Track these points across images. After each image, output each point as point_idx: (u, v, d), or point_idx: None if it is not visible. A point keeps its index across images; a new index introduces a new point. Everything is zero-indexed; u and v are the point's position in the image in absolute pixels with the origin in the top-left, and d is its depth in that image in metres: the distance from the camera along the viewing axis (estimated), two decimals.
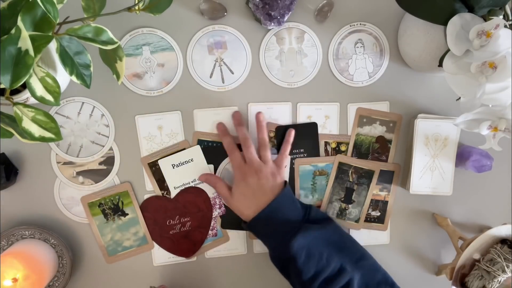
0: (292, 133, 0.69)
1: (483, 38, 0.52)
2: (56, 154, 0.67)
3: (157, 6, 0.57)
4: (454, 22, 0.54)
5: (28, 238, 0.66)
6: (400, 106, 0.72)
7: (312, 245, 0.62)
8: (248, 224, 0.65)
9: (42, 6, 0.44)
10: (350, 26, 0.70)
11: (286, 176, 0.71)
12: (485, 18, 0.54)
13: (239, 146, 0.68)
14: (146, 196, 0.70)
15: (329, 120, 0.71)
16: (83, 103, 0.67)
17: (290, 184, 0.71)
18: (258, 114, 0.68)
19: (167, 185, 0.70)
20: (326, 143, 0.72)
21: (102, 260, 0.70)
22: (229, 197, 0.66)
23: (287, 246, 0.61)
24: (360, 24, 0.70)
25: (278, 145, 0.70)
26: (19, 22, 0.44)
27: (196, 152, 0.69)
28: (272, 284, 0.72)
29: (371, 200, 0.73)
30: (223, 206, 0.71)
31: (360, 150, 0.72)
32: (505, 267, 0.62)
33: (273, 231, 0.64)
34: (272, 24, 0.66)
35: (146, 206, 0.70)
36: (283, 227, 0.63)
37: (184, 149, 0.69)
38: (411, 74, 0.71)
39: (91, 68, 0.53)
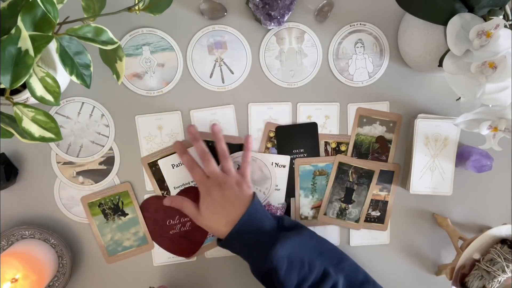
0: (249, 140, 0.67)
1: (483, 38, 0.52)
2: (56, 154, 0.67)
3: (157, 6, 0.57)
4: (454, 22, 0.54)
5: (28, 238, 0.66)
6: (400, 106, 0.72)
7: (292, 254, 0.60)
8: (222, 243, 0.62)
9: (42, 6, 0.44)
10: (350, 26, 0.70)
11: (284, 177, 0.71)
12: (485, 18, 0.54)
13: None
14: (146, 196, 0.70)
15: (329, 120, 0.71)
16: (83, 103, 0.67)
17: (290, 184, 0.71)
18: (213, 126, 0.66)
19: (167, 185, 0.70)
20: (326, 143, 0.72)
21: (102, 260, 0.70)
22: (198, 216, 0.64)
23: (267, 259, 0.59)
24: (360, 24, 0.70)
25: (278, 145, 0.70)
26: (19, 22, 0.44)
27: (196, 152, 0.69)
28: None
29: (371, 200, 0.72)
30: None
31: (360, 150, 0.72)
32: (505, 267, 0.62)
33: (250, 245, 0.61)
34: (272, 24, 0.66)
35: (146, 206, 0.70)
36: (259, 239, 0.61)
37: None
38: (411, 74, 0.71)
39: (91, 68, 0.53)
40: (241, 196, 0.63)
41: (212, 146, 0.69)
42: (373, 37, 0.70)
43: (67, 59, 0.50)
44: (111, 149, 0.68)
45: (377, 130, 0.72)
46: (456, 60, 0.55)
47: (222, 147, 0.66)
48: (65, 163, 0.68)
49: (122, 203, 0.69)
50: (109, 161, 0.68)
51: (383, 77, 0.71)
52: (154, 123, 0.69)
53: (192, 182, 0.70)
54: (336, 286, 0.60)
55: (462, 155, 0.69)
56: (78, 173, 0.68)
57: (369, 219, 0.73)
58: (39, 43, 0.45)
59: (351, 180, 0.72)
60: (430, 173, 0.69)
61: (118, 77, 0.58)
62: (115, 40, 0.52)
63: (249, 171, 0.66)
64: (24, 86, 0.47)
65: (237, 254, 0.64)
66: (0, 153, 0.66)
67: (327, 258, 0.62)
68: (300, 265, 0.60)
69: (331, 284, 0.60)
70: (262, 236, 0.61)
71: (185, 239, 0.71)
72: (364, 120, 0.72)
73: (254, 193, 0.64)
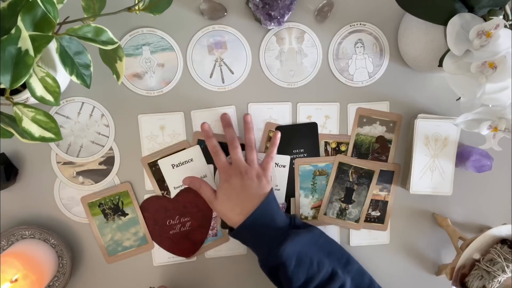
0: (278, 135, 0.68)
1: (483, 38, 0.52)
2: (56, 154, 0.67)
3: (157, 6, 0.57)
4: (454, 22, 0.54)
5: (28, 238, 0.66)
6: (400, 106, 0.72)
7: (302, 252, 0.60)
8: (234, 232, 0.64)
9: (42, 6, 0.44)
10: (350, 26, 0.70)
11: (284, 177, 0.71)
12: (485, 18, 0.54)
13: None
14: (146, 196, 0.70)
15: (329, 120, 0.71)
16: (83, 103, 0.67)
17: (290, 184, 0.71)
18: (246, 116, 0.68)
19: (167, 185, 0.70)
20: (326, 143, 0.72)
21: (102, 260, 0.70)
22: (213, 200, 0.65)
23: (276, 254, 0.60)
24: (360, 24, 0.70)
25: (278, 145, 0.70)
26: (19, 22, 0.44)
27: (196, 152, 0.69)
28: (271, 284, 0.72)
29: (371, 200, 0.72)
30: None
31: (360, 150, 0.72)
32: (505, 267, 0.62)
33: (260, 238, 0.62)
34: (272, 24, 0.66)
35: (146, 206, 0.70)
36: (270, 233, 0.62)
37: (184, 149, 0.69)
38: (411, 74, 0.71)
39: (91, 68, 0.53)
40: (258, 189, 0.64)
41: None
42: (373, 37, 0.70)
43: (67, 59, 0.50)
44: (111, 149, 0.68)
45: (377, 130, 0.72)
46: (456, 60, 0.55)
47: (251, 137, 0.67)
48: (65, 163, 0.68)
49: (122, 203, 0.69)
50: (109, 161, 0.68)
51: (383, 77, 0.71)
52: (156, 123, 0.69)
53: None
54: (343, 287, 0.60)
55: (462, 155, 0.69)
56: (78, 173, 0.68)
57: (369, 219, 0.73)
58: (39, 43, 0.45)
59: (351, 180, 0.72)
60: (430, 173, 0.69)
61: (118, 77, 0.58)
62: (115, 40, 0.52)
63: (271, 166, 0.67)
64: (24, 86, 0.47)
65: (247, 245, 0.65)
66: (0, 153, 0.66)
67: (335, 259, 0.62)
68: (309, 264, 0.60)
69: (339, 285, 0.60)
70: (274, 231, 0.62)
71: (185, 239, 0.71)
72: (364, 120, 0.72)
73: (271, 189, 0.65)
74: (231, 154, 0.66)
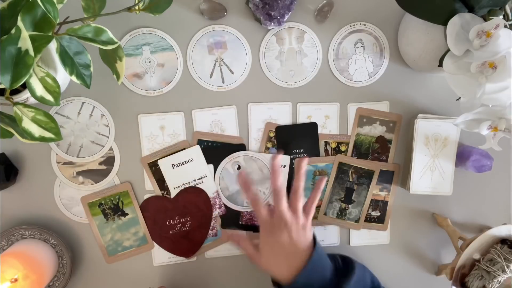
0: (324, 180, 0.64)
1: (483, 38, 0.52)
2: (56, 154, 0.67)
3: (157, 6, 0.57)
4: (454, 22, 0.54)
5: (28, 238, 0.66)
6: (400, 106, 0.72)
7: None
8: None
9: (42, 6, 0.44)
10: (350, 26, 0.70)
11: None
12: (485, 18, 0.54)
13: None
14: (146, 196, 0.70)
15: (329, 120, 0.71)
16: (83, 103, 0.67)
17: (289, 184, 0.71)
18: (299, 161, 0.61)
19: (167, 185, 0.70)
20: (326, 143, 0.72)
21: (102, 260, 0.70)
22: (257, 256, 0.61)
23: None
24: (360, 24, 0.70)
25: (278, 145, 0.70)
26: (19, 22, 0.44)
27: (196, 152, 0.69)
28: (271, 284, 0.72)
29: (371, 200, 0.72)
30: (223, 206, 0.71)
31: (360, 150, 0.72)
32: (505, 267, 0.62)
33: None
34: (272, 24, 0.66)
35: (146, 206, 0.70)
36: (323, 287, 0.58)
37: (184, 149, 0.69)
38: (411, 74, 0.71)
39: (91, 68, 0.53)
40: (304, 240, 0.59)
41: (216, 147, 0.69)
42: (373, 37, 0.70)
43: (67, 59, 0.50)
44: (111, 149, 0.68)
45: (377, 130, 0.72)
46: (456, 60, 0.55)
47: (301, 185, 0.61)
48: (65, 163, 0.68)
49: (122, 203, 0.69)
50: (109, 161, 0.68)
51: (383, 77, 0.71)
52: (156, 123, 0.69)
53: (192, 182, 0.70)
54: None
55: (462, 155, 0.69)
56: (78, 173, 0.68)
57: (369, 219, 0.73)
58: (39, 43, 0.45)
59: (351, 180, 0.72)
60: (430, 173, 0.69)
61: (118, 77, 0.58)
62: (115, 40, 0.53)
63: (313, 212, 0.62)
64: (24, 86, 0.47)
65: None
66: (0, 153, 0.66)
67: (368, 285, 0.61)
68: None
69: None
70: (325, 285, 0.58)
71: (185, 239, 0.71)
72: (364, 120, 0.72)
73: (314, 236, 0.61)
74: (277, 205, 0.60)
